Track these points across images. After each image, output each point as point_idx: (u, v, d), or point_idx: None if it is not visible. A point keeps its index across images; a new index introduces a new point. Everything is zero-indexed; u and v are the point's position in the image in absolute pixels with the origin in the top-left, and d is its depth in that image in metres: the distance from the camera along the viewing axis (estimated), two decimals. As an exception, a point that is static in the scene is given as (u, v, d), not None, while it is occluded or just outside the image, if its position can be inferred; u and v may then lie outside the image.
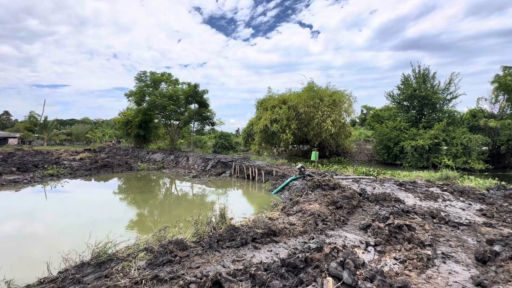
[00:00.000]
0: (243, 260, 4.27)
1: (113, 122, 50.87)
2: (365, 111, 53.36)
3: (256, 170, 15.11)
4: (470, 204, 8.02)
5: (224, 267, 3.98)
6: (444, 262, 4.38)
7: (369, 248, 4.87)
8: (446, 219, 6.70)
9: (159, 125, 33.53)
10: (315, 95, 20.70)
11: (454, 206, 7.81)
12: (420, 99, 23.92)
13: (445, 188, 9.91)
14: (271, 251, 4.64)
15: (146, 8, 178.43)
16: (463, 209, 7.55)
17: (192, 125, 29.08)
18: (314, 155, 11.55)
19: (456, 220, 6.66)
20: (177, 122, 30.36)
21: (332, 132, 19.51)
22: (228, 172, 17.15)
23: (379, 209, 7.47)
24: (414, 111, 25.01)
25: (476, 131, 21.46)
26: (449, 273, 3.99)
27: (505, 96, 21.88)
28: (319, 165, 16.02)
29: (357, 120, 52.12)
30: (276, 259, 4.26)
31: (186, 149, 31.15)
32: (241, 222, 6.17)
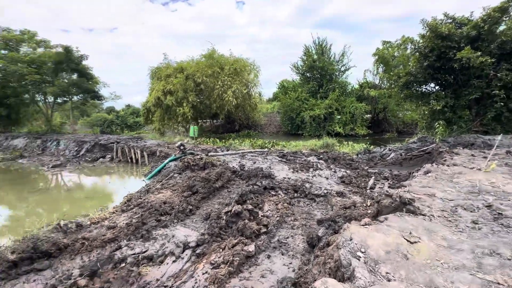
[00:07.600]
0: None
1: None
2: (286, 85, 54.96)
3: (139, 152, 12.74)
4: (335, 171, 8.05)
5: None
6: (269, 257, 3.54)
7: (186, 252, 3.67)
8: (307, 192, 6.31)
9: (30, 101, 25.90)
10: (214, 63, 18.78)
11: (321, 176, 7.65)
12: (319, 70, 25.10)
13: (321, 157, 10.04)
14: (11, 294, 2.88)
15: None
16: (327, 178, 7.44)
17: (69, 99, 23.14)
18: (192, 130, 9.98)
19: (316, 192, 6.33)
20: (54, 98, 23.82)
21: (234, 103, 18.37)
22: (109, 156, 14.14)
23: (245, 187, 6.60)
24: (315, 82, 26.26)
25: (362, 101, 24.07)
26: (262, 276, 3.12)
27: (383, 67, 24.98)
28: (217, 139, 14.79)
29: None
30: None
31: (76, 132, 25.27)
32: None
